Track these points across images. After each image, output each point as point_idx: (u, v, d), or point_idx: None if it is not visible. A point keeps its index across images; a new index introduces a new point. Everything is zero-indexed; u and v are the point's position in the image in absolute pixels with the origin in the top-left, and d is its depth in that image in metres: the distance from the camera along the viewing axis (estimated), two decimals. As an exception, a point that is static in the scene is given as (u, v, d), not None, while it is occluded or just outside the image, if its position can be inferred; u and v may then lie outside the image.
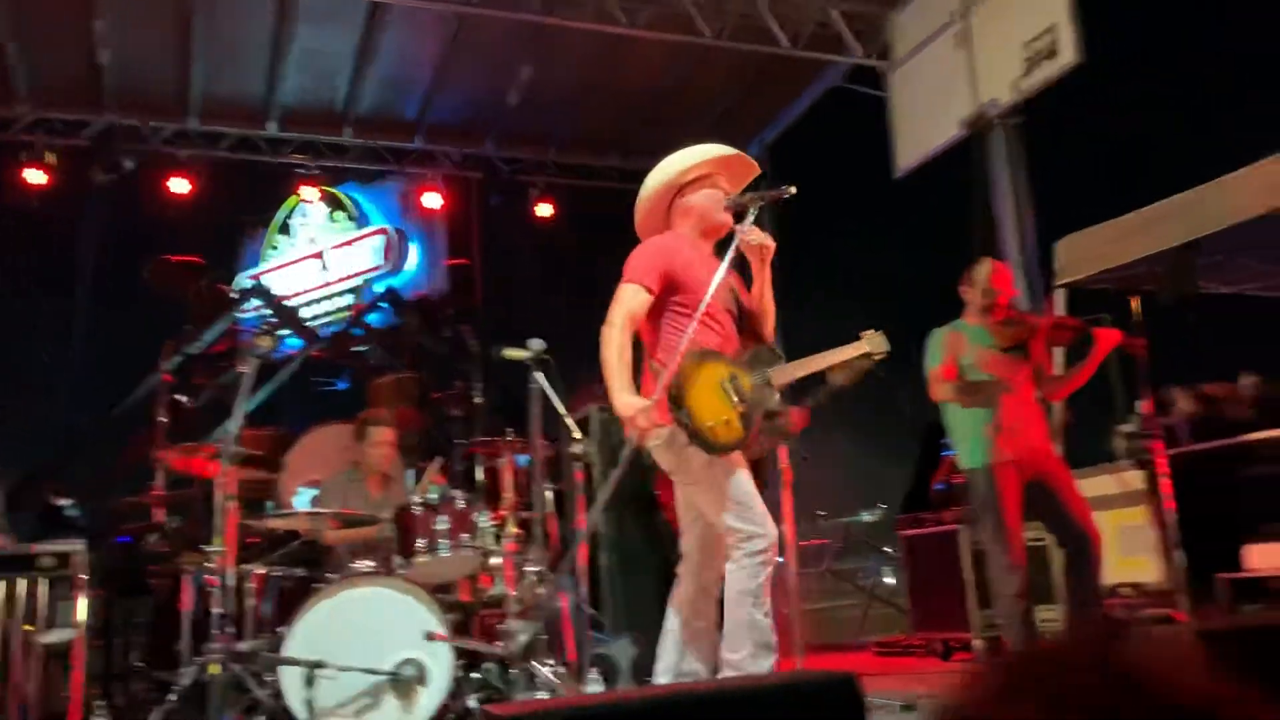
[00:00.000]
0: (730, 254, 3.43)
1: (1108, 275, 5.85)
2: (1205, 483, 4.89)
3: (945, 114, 7.52)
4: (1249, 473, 5.03)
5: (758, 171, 3.74)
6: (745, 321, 3.60)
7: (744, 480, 3.34)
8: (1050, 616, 5.19)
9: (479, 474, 5.69)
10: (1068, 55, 6.53)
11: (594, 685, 4.57)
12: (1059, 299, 6.20)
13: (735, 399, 3.35)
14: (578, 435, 4.83)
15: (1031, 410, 4.40)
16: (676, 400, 3.24)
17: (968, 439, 4.45)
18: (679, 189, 3.63)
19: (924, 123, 7.83)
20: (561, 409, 4.85)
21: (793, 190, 3.42)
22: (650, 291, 3.43)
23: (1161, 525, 4.83)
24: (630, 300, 3.42)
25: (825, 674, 2.64)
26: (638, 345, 3.51)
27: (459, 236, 9.91)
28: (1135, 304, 4.91)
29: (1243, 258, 6.20)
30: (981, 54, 7.24)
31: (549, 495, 5.40)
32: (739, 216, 3.53)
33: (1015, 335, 4.39)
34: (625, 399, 3.24)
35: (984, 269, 4.59)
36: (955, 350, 4.53)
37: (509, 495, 4.98)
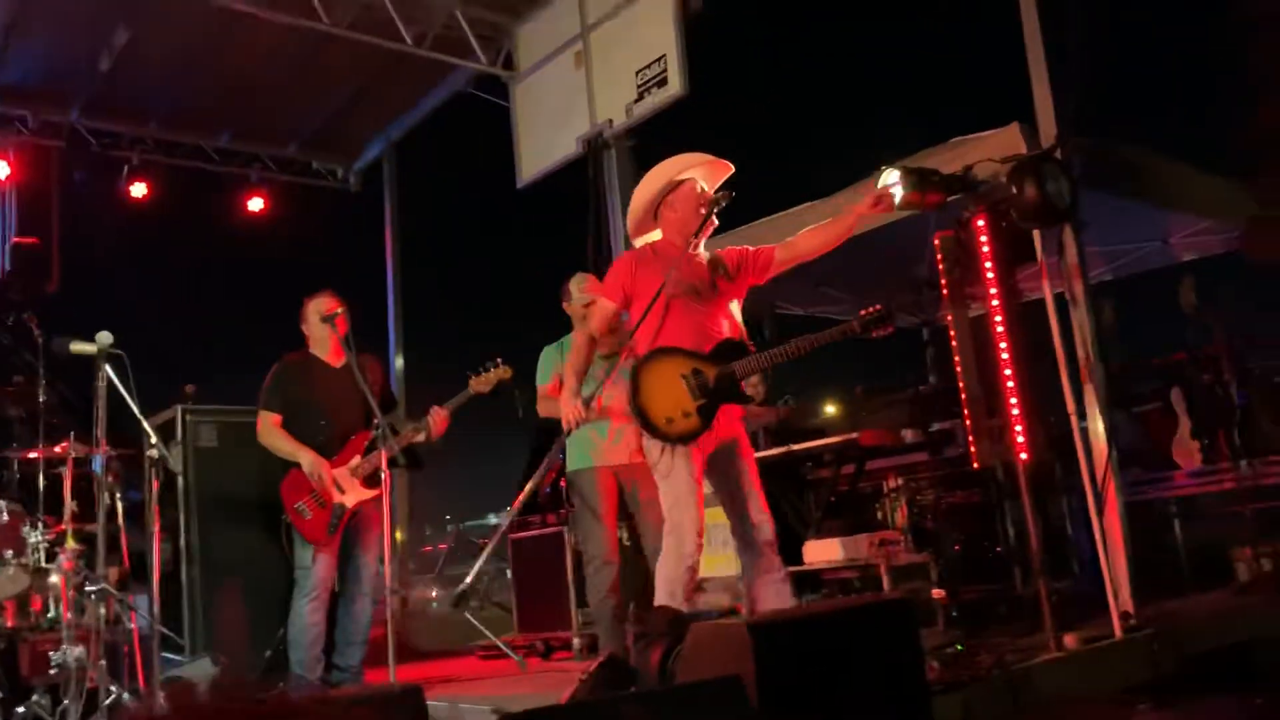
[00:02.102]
0: (700, 249, 3.82)
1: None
2: (776, 487, 5.38)
3: (565, 129, 7.73)
4: (810, 476, 5.60)
5: (731, 170, 3.99)
6: (724, 317, 3.84)
7: (686, 480, 3.61)
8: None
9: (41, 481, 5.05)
10: (676, 86, 6.94)
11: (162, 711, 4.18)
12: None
13: (696, 392, 3.64)
14: (154, 439, 4.40)
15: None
16: (633, 395, 3.64)
17: (574, 443, 4.71)
18: (667, 192, 3.94)
19: (545, 136, 7.99)
20: (136, 410, 4.40)
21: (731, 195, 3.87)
22: (616, 303, 3.88)
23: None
24: (598, 313, 3.95)
25: (392, 688, 2.57)
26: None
27: (32, 213, 8.73)
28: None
29: (823, 286, 6.91)
30: (599, 75, 7.52)
31: (120, 505, 4.89)
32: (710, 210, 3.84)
33: (611, 343, 4.60)
34: (564, 398, 3.75)
35: (579, 282, 4.85)
36: (561, 363, 4.75)
37: (71, 506, 4.45)
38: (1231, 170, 5.57)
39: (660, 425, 3.66)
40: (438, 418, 4.89)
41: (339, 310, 4.94)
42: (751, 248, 4.03)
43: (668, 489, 3.68)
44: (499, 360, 4.94)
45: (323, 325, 4.97)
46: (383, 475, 4.42)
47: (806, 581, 4.97)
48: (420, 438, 4.93)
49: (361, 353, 4.98)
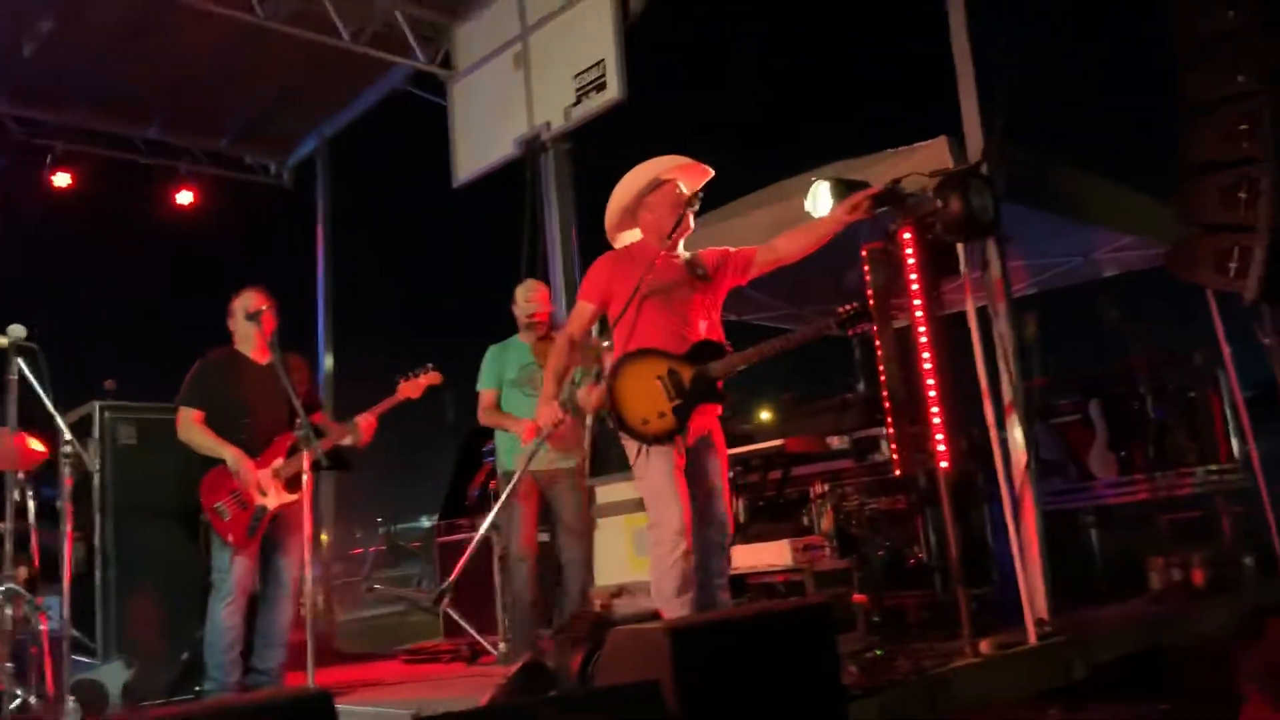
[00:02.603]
0: (680, 250, 3.86)
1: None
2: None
3: (503, 130, 7.70)
4: (739, 482, 5.62)
5: (711, 174, 4.02)
6: (701, 319, 3.87)
7: (664, 473, 3.65)
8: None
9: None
10: (614, 90, 6.96)
11: (71, 716, 4.08)
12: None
13: (672, 393, 3.69)
14: (69, 436, 4.28)
15: (568, 424, 4.75)
16: (609, 396, 3.69)
17: (502, 446, 5.01)
18: (646, 193, 3.95)
19: (483, 136, 7.96)
20: (50, 405, 4.29)
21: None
22: (594, 305, 3.87)
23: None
24: (576, 315, 3.92)
25: (300, 691, 2.53)
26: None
27: (-54, 201, 8.48)
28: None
29: (756, 291, 6.95)
30: (538, 77, 7.50)
31: (32, 503, 4.75)
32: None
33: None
34: (542, 400, 3.80)
35: (521, 289, 5.08)
36: (502, 367, 5.05)
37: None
38: (1157, 190, 5.73)
39: (636, 426, 3.71)
40: (364, 423, 4.84)
41: (264, 307, 4.86)
42: (732, 249, 4.06)
43: (645, 488, 3.74)
44: (429, 365, 4.93)
45: (248, 322, 4.87)
46: (305, 478, 4.38)
47: (732, 586, 4.98)
48: (347, 440, 4.88)
49: (289, 352, 4.91)
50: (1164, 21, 4.11)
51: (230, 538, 4.68)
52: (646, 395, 3.73)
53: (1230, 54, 3.83)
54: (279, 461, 4.78)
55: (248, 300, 4.92)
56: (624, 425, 3.72)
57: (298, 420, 4.52)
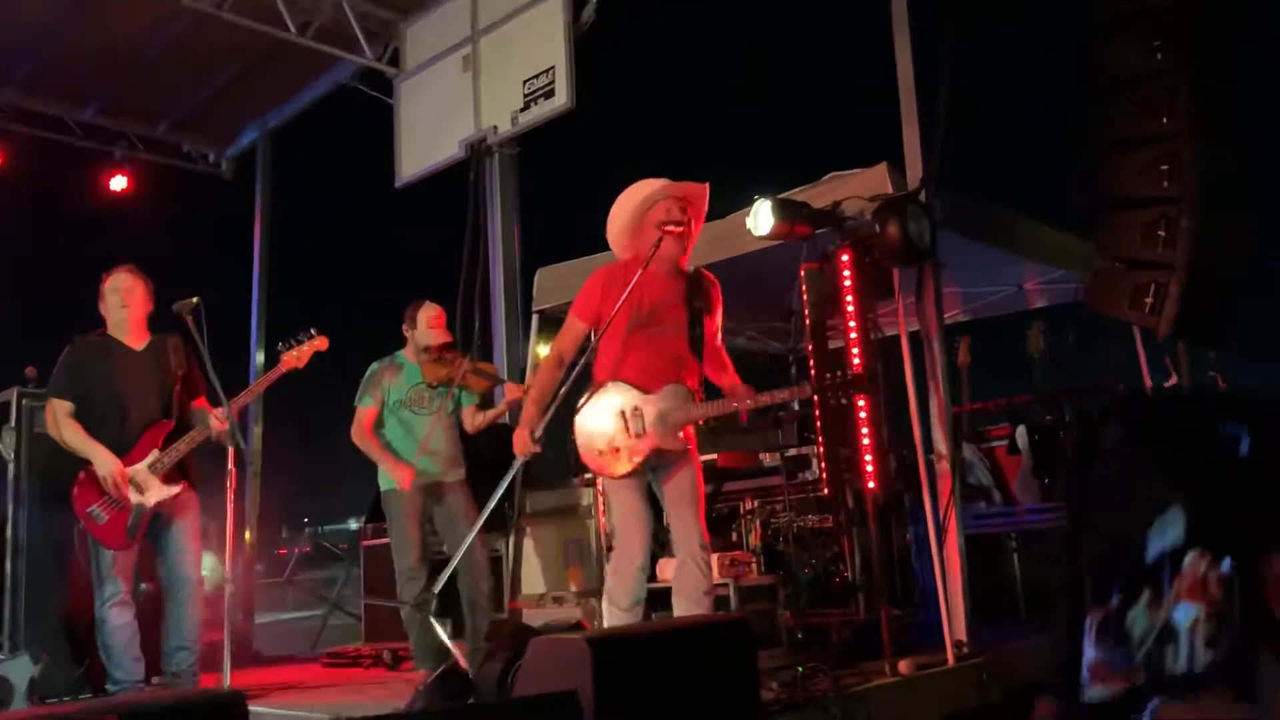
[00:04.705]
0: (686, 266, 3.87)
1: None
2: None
3: (449, 132, 7.63)
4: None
5: (707, 192, 3.95)
6: (685, 348, 3.84)
7: (624, 507, 3.73)
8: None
9: None
10: (562, 99, 6.94)
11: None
12: (534, 324, 6.57)
13: (629, 430, 3.70)
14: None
15: (450, 439, 5.08)
16: (575, 421, 3.75)
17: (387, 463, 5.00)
18: (643, 211, 3.87)
19: (428, 137, 7.88)
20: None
21: None
22: (585, 324, 3.85)
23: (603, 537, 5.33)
24: (567, 332, 3.90)
25: (213, 693, 2.48)
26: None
27: None
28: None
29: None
30: (487, 80, 7.46)
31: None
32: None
33: (443, 375, 4.87)
34: (522, 425, 3.76)
35: (423, 313, 5.08)
36: (388, 383, 5.06)
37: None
38: (1077, 227, 5.88)
39: (591, 457, 3.78)
40: (216, 414, 4.41)
41: (133, 287, 4.61)
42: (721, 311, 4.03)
43: (612, 509, 3.88)
44: (312, 331, 4.70)
45: (119, 305, 4.60)
46: (230, 472, 4.24)
47: (661, 597, 4.99)
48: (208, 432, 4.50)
49: (167, 333, 4.70)
50: (1084, 56, 4.21)
51: (109, 542, 4.39)
52: (606, 428, 3.76)
53: (1152, 91, 3.93)
54: (155, 453, 4.47)
55: (118, 280, 4.64)
56: (582, 452, 3.79)
57: (172, 410, 4.39)
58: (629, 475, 3.74)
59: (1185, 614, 0.79)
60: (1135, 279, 4.01)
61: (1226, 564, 0.80)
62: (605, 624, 3.86)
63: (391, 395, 5.04)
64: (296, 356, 4.67)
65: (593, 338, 3.86)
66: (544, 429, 3.79)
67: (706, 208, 4.01)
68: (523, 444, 3.74)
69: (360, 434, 5.01)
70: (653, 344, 3.81)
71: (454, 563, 4.05)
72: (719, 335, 4.03)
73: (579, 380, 3.86)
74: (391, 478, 4.89)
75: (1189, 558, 0.80)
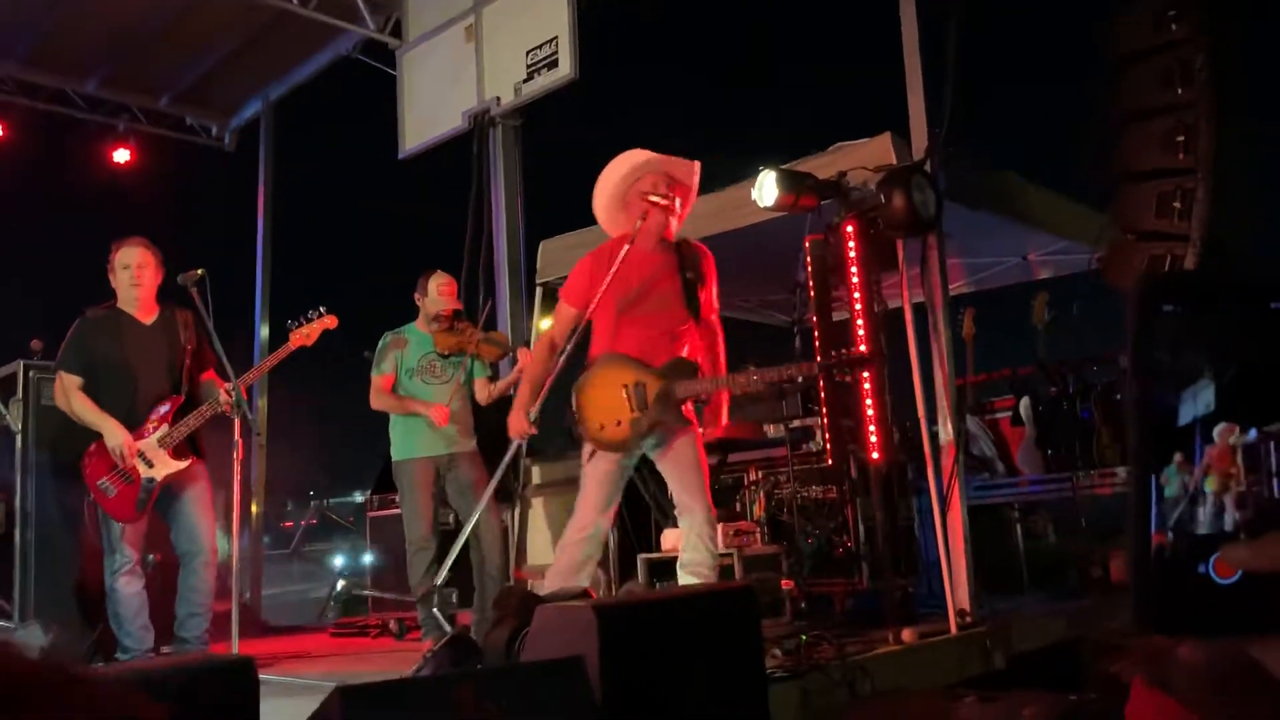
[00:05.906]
0: (666, 256, 3.83)
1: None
2: (639, 476, 5.42)
3: (452, 103, 7.60)
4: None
5: (697, 170, 3.92)
6: (679, 322, 3.83)
7: (600, 478, 3.74)
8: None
9: None
10: (566, 69, 6.90)
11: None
12: (537, 296, 6.58)
13: (634, 404, 3.67)
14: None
15: (463, 410, 5.06)
16: (576, 395, 3.73)
17: (397, 434, 5.06)
18: (631, 182, 3.85)
19: (431, 108, 7.85)
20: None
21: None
22: (576, 309, 3.84)
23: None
24: (558, 318, 3.93)
25: (222, 658, 2.51)
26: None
27: None
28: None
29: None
30: (490, 51, 7.41)
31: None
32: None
33: (454, 343, 4.89)
34: (515, 407, 3.81)
35: (433, 280, 5.09)
36: (399, 353, 5.06)
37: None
38: (1090, 199, 5.86)
39: (592, 431, 3.75)
40: (225, 390, 4.42)
41: (145, 261, 4.61)
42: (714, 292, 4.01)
43: (584, 482, 3.84)
44: (321, 309, 4.73)
45: (130, 283, 4.59)
46: (237, 443, 4.28)
47: (664, 568, 5.03)
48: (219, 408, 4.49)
49: (177, 307, 4.69)
50: (1099, 31, 4.19)
51: (120, 515, 4.43)
52: (609, 402, 3.74)
53: (1168, 60, 3.91)
54: (164, 428, 4.50)
55: (127, 253, 4.63)
56: (582, 426, 3.76)
57: (183, 386, 4.40)
58: (621, 449, 3.74)
59: (1215, 481, 0.81)
60: (1150, 250, 4.00)
61: (1253, 434, 0.81)
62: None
63: (403, 365, 5.07)
64: (305, 335, 4.71)
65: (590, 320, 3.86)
66: (539, 411, 3.82)
67: (696, 186, 3.98)
68: (519, 427, 3.79)
69: (380, 397, 5.03)
70: (647, 320, 3.82)
71: (463, 537, 4.09)
72: (715, 308, 4.01)
73: (575, 361, 3.87)
74: (430, 417, 4.84)
75: (1219, 428, 0.82)
